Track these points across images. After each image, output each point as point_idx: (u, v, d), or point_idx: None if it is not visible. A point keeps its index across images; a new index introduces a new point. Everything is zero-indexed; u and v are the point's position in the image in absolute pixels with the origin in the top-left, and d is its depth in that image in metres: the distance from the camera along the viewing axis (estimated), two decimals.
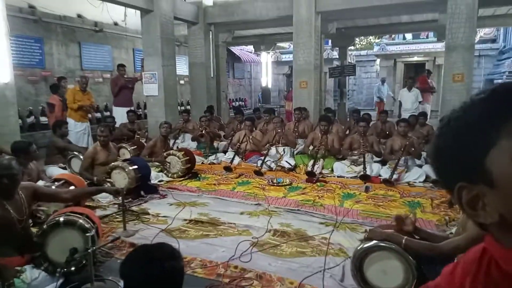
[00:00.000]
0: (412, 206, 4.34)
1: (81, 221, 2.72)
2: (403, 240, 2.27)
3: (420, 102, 9.37)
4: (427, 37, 16.45)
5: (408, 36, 17.20)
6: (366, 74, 20.82)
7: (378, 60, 18.41)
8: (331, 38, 12.73)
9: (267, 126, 7.68)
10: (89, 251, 2.52)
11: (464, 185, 0.57)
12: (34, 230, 3.04)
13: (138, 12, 8.12)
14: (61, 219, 2.72)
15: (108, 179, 4.60)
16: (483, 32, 16.35)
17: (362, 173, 5.45)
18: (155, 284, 1.18)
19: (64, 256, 2.54)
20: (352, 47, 15.90)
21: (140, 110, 10.79)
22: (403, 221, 2.40)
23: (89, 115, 7.33)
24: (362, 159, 5.66)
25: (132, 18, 9.80)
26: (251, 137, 6.77)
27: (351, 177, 5.63)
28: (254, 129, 7.11)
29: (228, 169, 6.05)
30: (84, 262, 2.67)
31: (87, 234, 2.59)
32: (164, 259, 1.21)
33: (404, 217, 2.44)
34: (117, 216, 4.00)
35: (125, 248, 3.27)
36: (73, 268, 2.67)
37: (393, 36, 17.88)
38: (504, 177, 0.53)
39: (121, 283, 2.69)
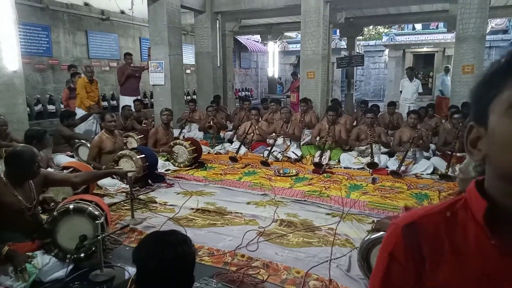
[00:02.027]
0: (419, 198, 4.33)
1: (90, 208, 2.75)
2: None
3: (419, 93, 9.32)
4: (437, 27, 16.19)
5: (418, 26, 16.94)
6: (374, 65, 20.64)
7: (386, 51, 18.19)
8: (339, 27, 12.58)
9: (273, 116, 7.66)
10: (98, 238, 2.55)
11: (473, 125, 0.66)
12: (44, 217, 3.09)
13: (145, 0, 8.07)
14: (71, 206, 2.75)
15: (116, 167, 4.63)
16: (494, 23, 16.05)
17: (370, 161, 5.44)
18: (168, 269, 1.20)
19: (74, 243, 2.58)
20: (360, 37, 15.69)
21: (147, 99, 10.81)
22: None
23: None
24: (369, 150, 5.65)
25: (139, 7, 9.72)
26: (257, 127, 6.75)
27: (358, 169, 5.62)
28: (260, 119, 7.09)
29: (233, 159, 6.05)
30: (93, 248, 2.71)
31: (97, 222, 2.62)
32: (177, 244, 1.23)
33: (412, 207, 2.49)
34: (125, 204, 4.04)
35: (133, 236, 3.30)
36: (82, 255, 2.71)
37: (402, 26, 17.62)
38: (493, 123, 0.61)
39: (129, 269, 2.74)
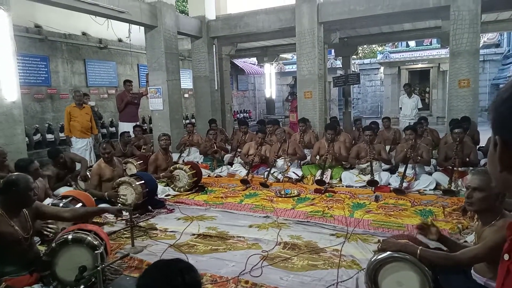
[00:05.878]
0: (424, 215, 4.26)
1: (89, 238, 2.69)
2: (418, 251, 2.22)
3: (419, 108, 9.38)
4: (431, 43, 16.46)
5: (412, 43, 17.22)
6: (370, 83, 20.85)
7: (382, 68, 18.42)
8: (334, 47, 12.76)
9: (270, 137, 7.65)
10: (98, 268, 2.48)
11: None
12: (42, 248, 3.02)
13: (142, 28, 8.20)
14: (70, 236, 2.70)
15: (121, 194, 4.57)
16: (486, 37, 16.34)
17: (370, 179, 5.38)
18: None
19: (73, 274, 2.50)
20: (355, 56, 15.91)
21: (145, 124, 10.83)
22: (428, 229, 2.44)
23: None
24: (370, 168, 5.60)
25: (136, 34, 9.90)
26: (261, 152, 6.62)
27: (360, 187, 5.56)
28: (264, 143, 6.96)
29: (245, 181, 5.90)
30: (93, 280, 2.63)
31: (96, 252, 2.56)
32: (184, 272, 1.19)
33: (428, 224, 2.48)
34: (125, 232, 3.97)
35: (133, 264, 3.22)
36: (82, 287, 2.63)
37: (396, 43, 17.91)
38: None
39: None
